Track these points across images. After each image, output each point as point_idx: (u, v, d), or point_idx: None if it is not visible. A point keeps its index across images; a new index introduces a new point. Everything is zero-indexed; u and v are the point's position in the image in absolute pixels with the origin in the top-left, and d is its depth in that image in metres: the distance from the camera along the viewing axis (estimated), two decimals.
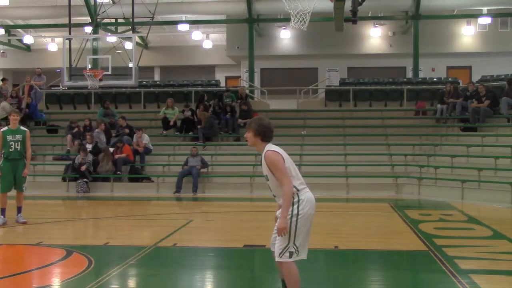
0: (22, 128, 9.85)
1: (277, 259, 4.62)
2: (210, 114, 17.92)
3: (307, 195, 4.69)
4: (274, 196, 4.83)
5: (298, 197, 4.64)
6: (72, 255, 7.26)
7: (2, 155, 9.52)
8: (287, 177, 4.57)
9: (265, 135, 4.75)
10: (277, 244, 4.63)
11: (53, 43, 31.29)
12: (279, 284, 4.94)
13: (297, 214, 4.59)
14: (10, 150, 9.48)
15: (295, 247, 4.59)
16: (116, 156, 15.86)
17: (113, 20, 24.39)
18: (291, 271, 4.60)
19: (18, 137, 9.55)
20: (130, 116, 19.00)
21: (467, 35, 26.00)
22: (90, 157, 15.76)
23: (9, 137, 9.50)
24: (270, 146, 4.74)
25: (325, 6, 18.59)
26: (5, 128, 9.73)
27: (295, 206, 4.61)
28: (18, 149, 9.53)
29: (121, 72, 18.59)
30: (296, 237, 4.58)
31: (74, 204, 14.25)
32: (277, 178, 4.61)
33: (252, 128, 4.76)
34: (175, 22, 26.54)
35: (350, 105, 19.78)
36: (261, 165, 4.80)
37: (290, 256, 4.58)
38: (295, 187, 4.62)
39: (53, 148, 17.78)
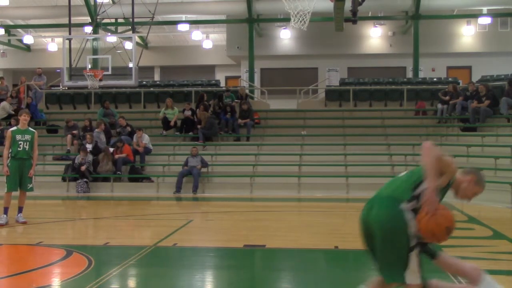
0: (31, 129, 10.01)
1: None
2: (210, 114, 17.92)
3: None
4: None
5: None
6: (72, 255, 7.25)
7: (10, 154, 9.62)
8: None
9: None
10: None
11: (53, 43, 31.27)
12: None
13: None
14: (19, 149, 9.61)
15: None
16: (116, 156, 15.87)
17: (113, 20, 24.39)
18: None
19: (27, 137, 9.71)
20: (130, 116, 19.01)
21: (467, 35, 25.99)
22: (90, 157, 15.77)
23: (18, 137, 9.65)
24: None
25: (325, 6, 18.67)
26: (14, 127, 9.89)
27: None
28: (26, 149, 9.68)
29: (121, 72, 18.62)
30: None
31: (74, 204, 14.25)
32: None
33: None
34: (175, 22, 26.54)
35: (350, 105, 19.78)
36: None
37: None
38: None
39: (53, 148, 17.78)
